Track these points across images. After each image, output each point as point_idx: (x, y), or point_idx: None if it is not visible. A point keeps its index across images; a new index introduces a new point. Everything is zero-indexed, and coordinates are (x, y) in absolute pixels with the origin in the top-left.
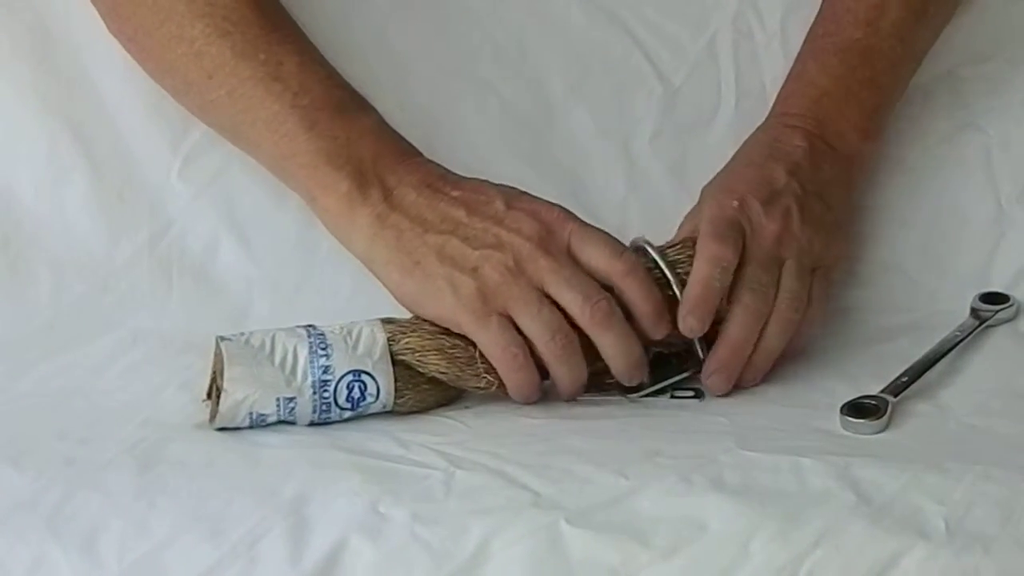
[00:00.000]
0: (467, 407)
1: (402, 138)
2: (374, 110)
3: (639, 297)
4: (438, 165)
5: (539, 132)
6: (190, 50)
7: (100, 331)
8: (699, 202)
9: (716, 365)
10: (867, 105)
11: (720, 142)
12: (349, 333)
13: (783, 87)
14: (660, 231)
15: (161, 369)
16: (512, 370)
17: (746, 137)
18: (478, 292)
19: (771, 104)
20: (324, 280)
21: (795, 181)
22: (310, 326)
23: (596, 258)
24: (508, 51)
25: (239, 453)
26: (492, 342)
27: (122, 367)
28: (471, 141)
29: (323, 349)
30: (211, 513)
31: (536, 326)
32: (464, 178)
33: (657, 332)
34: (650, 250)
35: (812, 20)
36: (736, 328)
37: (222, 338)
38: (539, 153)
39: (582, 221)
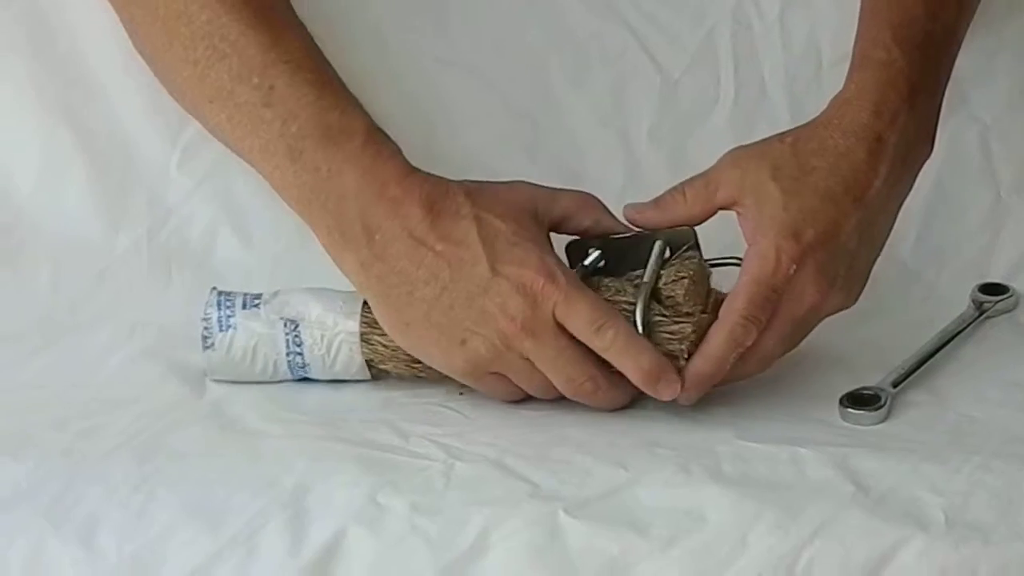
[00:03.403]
0: (461, 393)
1: (389, 156)
2: (362, 128)
3: (625, 369)
4: (425, 186)
5: (538, 124)
6: (194, 73)
7: (99, 322)
8: (760, 193)
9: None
10: (936, 110)
11: (719, 134)
12: (328, 350)
13: (866, 68)
14: None
15: (160, 360)
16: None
17: (745, 129)
18: (468, 363)
19: (772, 92)
20: (322, 271)
21: (856, 233)
22: (295, 327)
23: (578, 332)
24: (507, 43)
25: (238, 444)
26: (490, 393)
27: (121, 358)
28: (470, 133)
29: (302, 368)
30: (210, 504)
31: (531, 388)
32: (448, 205)
33: (662, 395)
34: (638, 306)
35: (812, 12)
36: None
37: (206, 339)
38: (538, 145)
39: (567, 285)
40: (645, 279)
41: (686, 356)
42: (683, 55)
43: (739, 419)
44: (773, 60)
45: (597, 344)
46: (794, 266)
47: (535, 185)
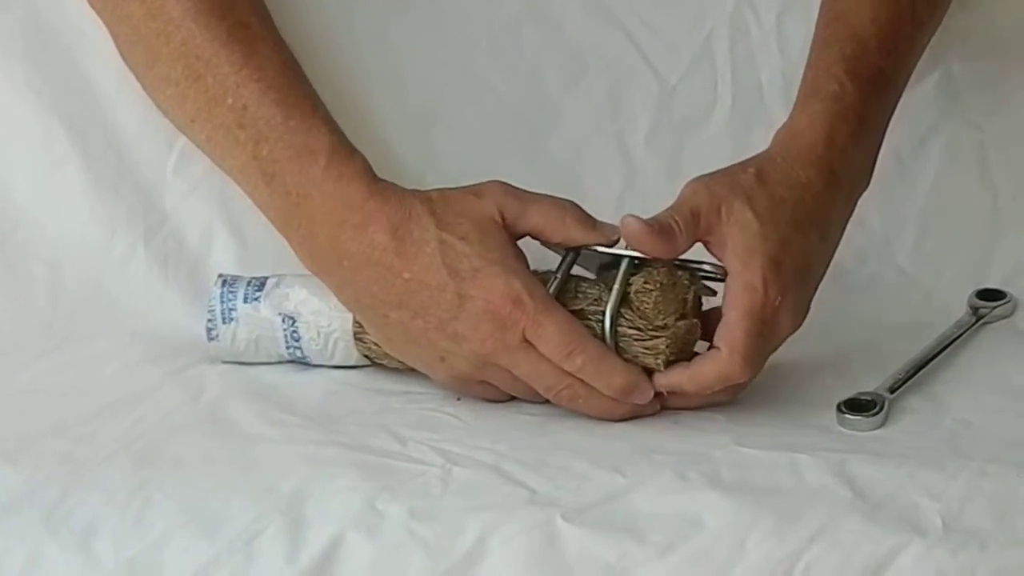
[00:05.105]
0: (459, 399)
1: (352, 176)
2: (325, 148)
3: (598, 388)
4: (388, 208)
5: (535, 130)
6: (176, 92)
7: (97, 327)
8: (731, 211)
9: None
10: (879, 144)
11: (716, 140)
12: (325, 346)
13: (818, 99)
14: None
15: (158, 365)
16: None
17: (742, 135)
18: (450, 377)
19: (770, 98)
20: None
21: (820, 263)
22: (293, 323)
23: (548, 356)
24: (505, 48)
25: (236, 450)
26: (479, 396)
27: (119, 363)
28: (467, 138)
29: (303, 359)
30: (208, 510)
31: (516, 393)
32: (412, 229)
33: (636, 402)
34: (606, 324)
35: (809, 18)
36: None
37: (210, 331)
38: (535, 151)
39: (534, 309)
40: (612, 294)
41: (663, 369)
42: (680, 61)
43: (737, 425)
44: (771, 66)
45: (568, 368)
46: (779, 297)
47: (508, 189)
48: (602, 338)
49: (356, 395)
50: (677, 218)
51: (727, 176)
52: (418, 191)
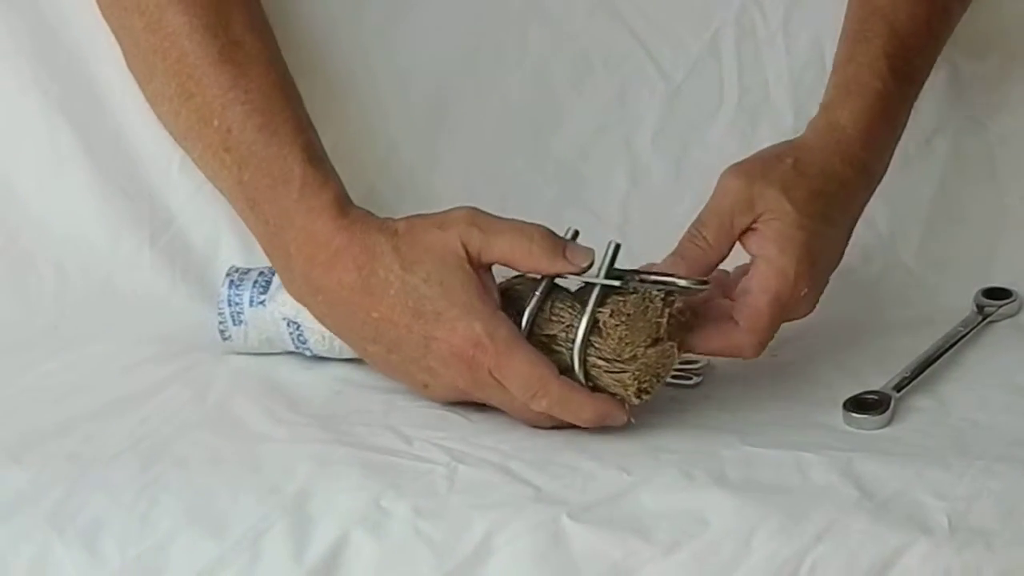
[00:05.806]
0: None
1: (322, 208)
2: (298, 176)
3: (570, 420)
4: (353, 246)
5: (541, 129)
6: (170, 108)
7: (103, 327)
8: (770, 212)
9: None
10: (901, 135)
11: (722, 140)
12: (332, 346)
13: (862, 96)
14: (661, 229)
15: (164, 365)
16: None
17: (748, 134)
18: (436, 399)
19: (776, 97)
20: None
21: (841, 257)
22: (298, 327)
23: (516, 395)
24: (510, 48)
25: (241, 449)
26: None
27: (126, 363)
28: (473, 138)
29: (313, 355)
30: (213, 509)
31: (504, 408)
32: (376, 269)
33: (614, 424)
34: (575, 357)
35: (816, 18)
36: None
37: (223, 332)
38: (541, 150)
39: (496, 352)
40: (581, 325)
41: (634, 398)
42: (687, 60)
43: (743, 424)
44: (777, 65)
45: (535, 409)
46: (806, 289)
47: (475, 218)
48: (572, 367)
49: (362, 394)
50: (703, 233)
51: (763, 163)
52: (387, 223)
